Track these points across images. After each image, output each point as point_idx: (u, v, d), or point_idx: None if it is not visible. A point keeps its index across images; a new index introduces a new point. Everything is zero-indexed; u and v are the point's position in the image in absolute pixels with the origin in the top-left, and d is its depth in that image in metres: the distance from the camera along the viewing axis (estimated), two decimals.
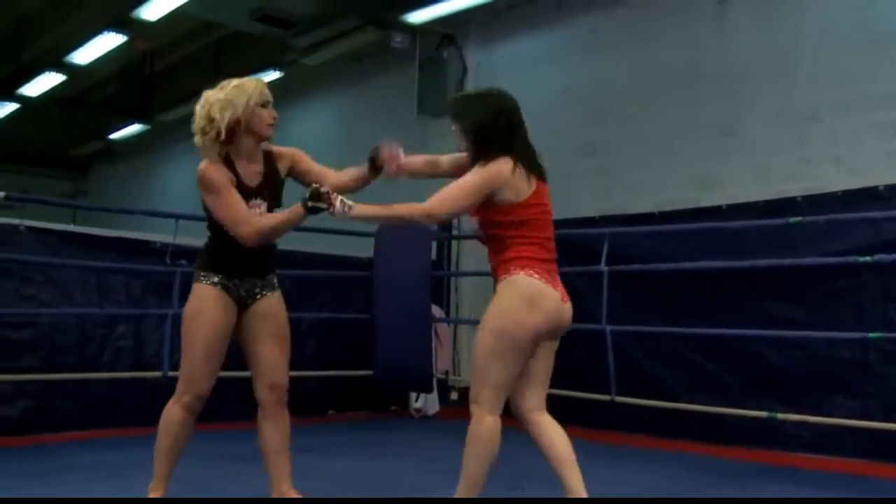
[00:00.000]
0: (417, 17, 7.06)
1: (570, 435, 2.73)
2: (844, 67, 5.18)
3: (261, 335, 3.20)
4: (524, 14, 7.12)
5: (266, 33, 7.96)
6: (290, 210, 2.94)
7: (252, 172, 3.13)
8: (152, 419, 5.28)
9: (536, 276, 2.82)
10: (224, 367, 3.14)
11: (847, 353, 4.77)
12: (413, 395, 6.54)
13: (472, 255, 7.03)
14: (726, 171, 5.75)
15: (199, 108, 3.03)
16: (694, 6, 6.02)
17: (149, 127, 12.53)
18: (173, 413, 3.13)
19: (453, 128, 3.00)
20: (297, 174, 3.27)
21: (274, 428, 3.25)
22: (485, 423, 2.78)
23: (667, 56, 6.14)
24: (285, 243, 6.71)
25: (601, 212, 6.14)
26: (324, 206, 2.76)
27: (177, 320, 5.28)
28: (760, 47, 5.64)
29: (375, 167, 3.07)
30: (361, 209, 2.79)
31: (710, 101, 5.87)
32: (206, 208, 3.10)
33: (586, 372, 5.27)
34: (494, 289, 2.91)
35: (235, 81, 3.07)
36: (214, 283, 3.10)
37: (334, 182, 3.10)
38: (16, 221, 5.18)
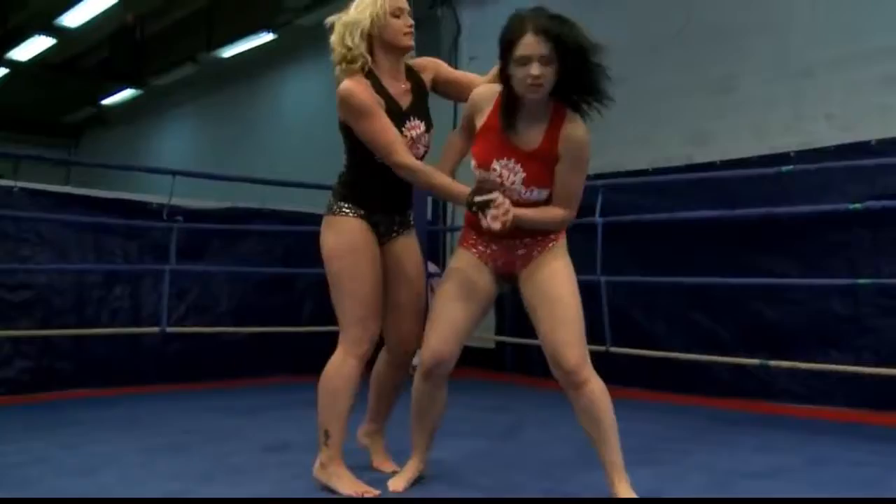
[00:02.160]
0: None
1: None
2: (839, 22, 5.17)
3: (398, 281, 2.94)
4: None
5: None
6: (456, 191, 2.63)
7: (400, 91, 2.84)
8: (151, 377, 5.41)
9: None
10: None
11: (840, 307, 4.82)
12: None
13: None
14: (721, 127, 5.75)
15: (333, 38, 2.79)
16: None
17: (141, 92, 12.47)
18: (347, 368, 2.75)
19: (543, 52, 2.44)
20: (441, 85, 2.98)
21: (391, 376, 3.08)
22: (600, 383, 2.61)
23: (662, 13, 6.12)
24: (279, 202, 6.68)
25: (595, 169, 6.11)
26: (484, 212, 2.47)
27: (175, 277, 5.36)
28: (756, 2, 5.62)
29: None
30: (521, 213, 2.54)
31: (706, 58, 5.86)
32: (346, 133, 2.82)
33: None
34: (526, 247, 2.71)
35: None
36: (361, 217, 2.82)
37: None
38: (9, 183, 5.17)
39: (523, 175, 2.60)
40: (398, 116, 2.79)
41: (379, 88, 2.77)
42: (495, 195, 2.47)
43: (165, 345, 5.49)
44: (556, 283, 2.65)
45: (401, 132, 2.76)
